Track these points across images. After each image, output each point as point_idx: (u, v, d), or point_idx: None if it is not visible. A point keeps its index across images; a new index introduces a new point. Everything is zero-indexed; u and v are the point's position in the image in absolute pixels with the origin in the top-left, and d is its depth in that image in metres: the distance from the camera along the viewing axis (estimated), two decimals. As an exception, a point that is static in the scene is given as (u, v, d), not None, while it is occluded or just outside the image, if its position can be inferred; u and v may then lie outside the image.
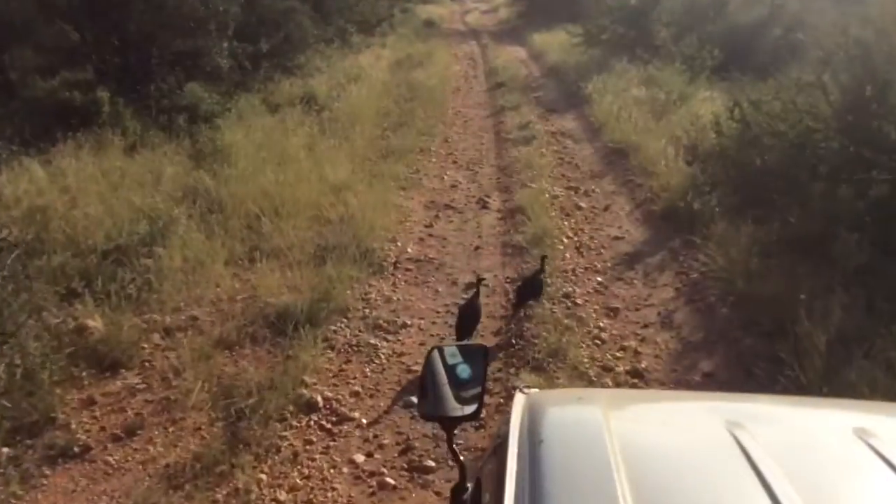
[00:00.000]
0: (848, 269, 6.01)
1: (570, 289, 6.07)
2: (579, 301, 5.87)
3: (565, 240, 7.09)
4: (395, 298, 5.97)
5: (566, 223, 7.61)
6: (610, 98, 12.20)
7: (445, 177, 9.25)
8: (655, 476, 1.22)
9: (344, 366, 4.98)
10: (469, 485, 1.97)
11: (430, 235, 7.32)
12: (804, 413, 1.63)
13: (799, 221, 6.89)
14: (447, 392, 1.97)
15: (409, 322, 5.58)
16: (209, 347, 4.97)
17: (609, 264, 6.70)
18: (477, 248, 7.03)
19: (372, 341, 5.29)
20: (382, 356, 5.12)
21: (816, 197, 7.14)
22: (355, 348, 5.19)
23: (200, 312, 5.47)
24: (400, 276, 6.40)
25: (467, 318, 5.21)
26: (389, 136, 10.61)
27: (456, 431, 2.19)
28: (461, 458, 2.08)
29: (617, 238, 7.29)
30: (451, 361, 2.02)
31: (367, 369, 4.96)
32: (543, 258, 5.87)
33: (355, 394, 4.67)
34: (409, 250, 6.90)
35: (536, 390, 1.69)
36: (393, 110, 12.25)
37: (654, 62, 14.17)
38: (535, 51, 19.79)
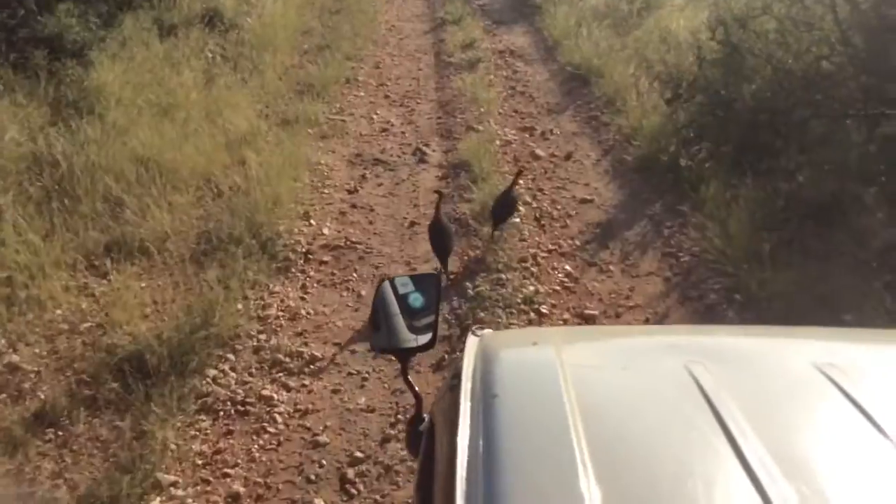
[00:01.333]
0: (877, 248, 4.73)
1: (533, 287, 4.60)
2: (545, 308, 4.41)
3: (522, 207, 5.57)
4: (303, 312, 4.43)
5: (522, 181, 6.07)
6: (565, 8, 10.45)
7: (375, 117, 7.55)
8: (613, 430, 1.15)
9: (221, 443, 3.47)
10: (426, 415, 1.85)
11: (354, 206, 5.71)
12: (764, 345, 1.51)
13: (808, 178, 5.49)
14: (399, 323, 1.86)
15: (319, 353, 4.07)
16: (23, 427, 3.42)
17: (578, 242, 5.23)
18: (412, 224, 5.46)
19: (266, 392, 3.78)
20: (279, 418, 3.62)
21: (821, 140, 5.76)
22: (241, 408, 3.67)
23: (25, 357, 3.87)
24: (312, 273, 4.84)
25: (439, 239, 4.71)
26: (309, 64, 8.77)
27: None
28: (416, 388, 1.96)
29: (584, 201, 5.79)
30: (402, 291, 1.91)
31: (256, 445, 3.47)
32: (518, 173, 5.47)
33: (233, 498, 3.19)
34: (326, 232, 5.30)
35: (489, 331, 1.55)
36: (315, 28, 10.33)
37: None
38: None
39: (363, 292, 4.63)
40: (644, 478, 1.06)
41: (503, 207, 5.10)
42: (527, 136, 7.03)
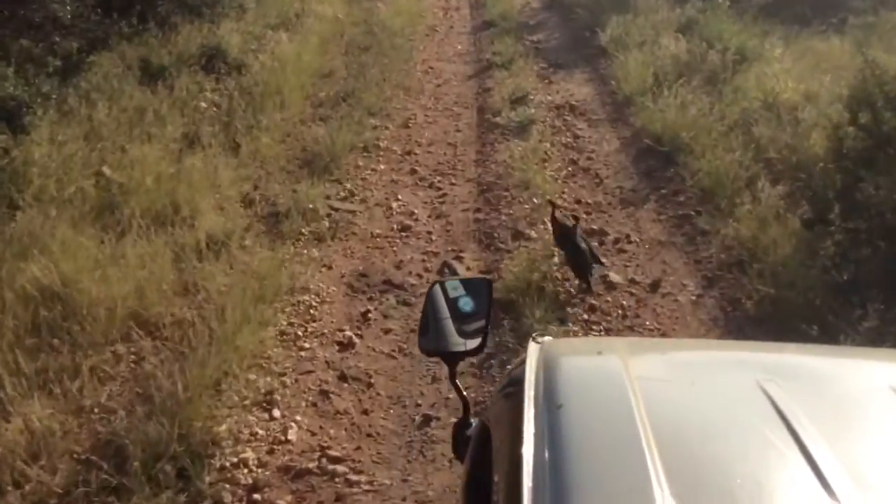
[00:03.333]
0: None
1: None
2: None
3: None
4: None
5: (594, 331, 4.08)
6: (637, 54, 8.41)
7: (395, 205, 5.60)
8: (686, 446, 1.08)
9: None
10: (472, 421, 1.82)
11: (344, 379, 3.74)
12: (840, 365, 1.41)
13: None
14: (449, 326, 1.79)
15: None
16: None
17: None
18: (427, 420, 3.51)
19: None
20: None
21: None
22: None
23: None
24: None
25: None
26: (320, 123, 6.88)
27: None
28: (464, 392, 1.85)
29: (687, 378, 3.79)
30: (452, 295, 1.84)
31: None
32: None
33: None
34: (292, 436, 3.33)
35: (550, 339, 1.43)
36: (337, 70, 8.43)
37: (693, -1, 10.24)
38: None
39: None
40: (721, 498, 0.99)
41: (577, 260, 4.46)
42: (595, 244, 5.02)
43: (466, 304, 1.81)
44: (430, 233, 5.21)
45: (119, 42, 7.16)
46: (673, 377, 1.32)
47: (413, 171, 6.18)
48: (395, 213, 5.48)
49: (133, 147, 5.48)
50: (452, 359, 1.83)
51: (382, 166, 6.24)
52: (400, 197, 5.72)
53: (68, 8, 6.45)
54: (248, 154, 5.99)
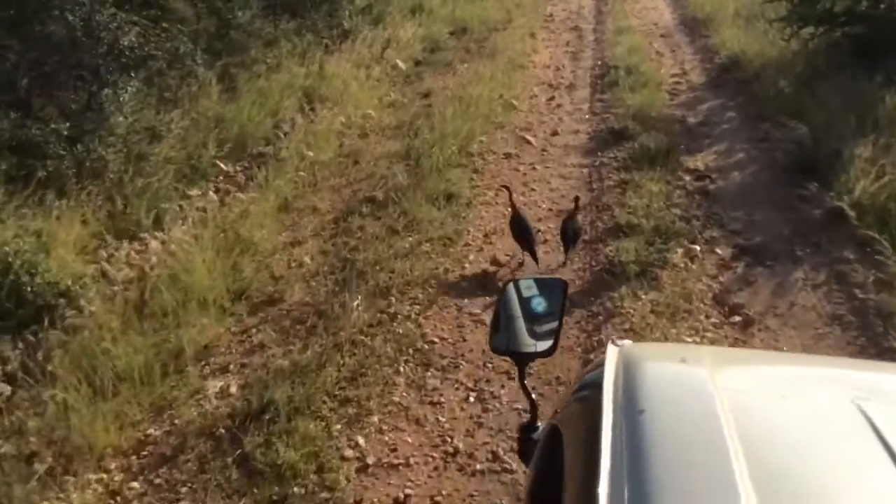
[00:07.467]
0: None
1: None
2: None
3: None
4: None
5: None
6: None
7: None
8: (777, 461, 0.94)
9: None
10: (540, 424, 1.66)
11: None
12: None
13: None
14: (520, 326, 1.67)
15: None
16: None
17: None
18: None
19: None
20: None
21: None
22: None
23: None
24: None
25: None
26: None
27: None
28: (533, 395, 1.70)
29: None
30: (526, 294, 1.70)
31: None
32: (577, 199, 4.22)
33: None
34: None
35: (630, 343, 1.25)
36: (294, 278, 3.81)
37: None
38: (688, 13, 10.25)
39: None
40: None
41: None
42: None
43: (539, 304, 1.66)
44: None
45: None
46: (761, 389, 1.15)
47: None
48: None
49: None
50: (522, 360, 1.70)
51: None
52: None
53: None
54: None
